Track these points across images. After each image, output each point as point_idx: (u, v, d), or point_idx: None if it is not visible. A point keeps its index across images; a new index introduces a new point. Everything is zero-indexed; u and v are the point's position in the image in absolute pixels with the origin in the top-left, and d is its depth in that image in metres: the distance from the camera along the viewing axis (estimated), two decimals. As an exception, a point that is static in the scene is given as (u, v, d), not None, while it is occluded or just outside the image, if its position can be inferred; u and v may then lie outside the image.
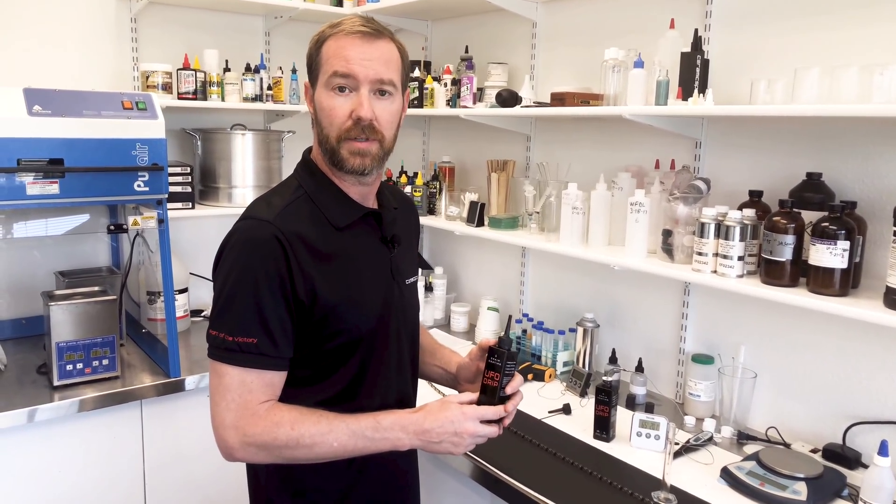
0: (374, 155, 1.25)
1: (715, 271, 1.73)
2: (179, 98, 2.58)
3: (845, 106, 1.46)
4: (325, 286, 1.23)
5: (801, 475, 1.55)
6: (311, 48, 1.27)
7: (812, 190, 1.68)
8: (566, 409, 2.01)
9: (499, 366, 1.27)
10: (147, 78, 2.52)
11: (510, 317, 1.46)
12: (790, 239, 1.59)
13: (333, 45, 1.22)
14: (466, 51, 2.59)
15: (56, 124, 1.93)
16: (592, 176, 2.11)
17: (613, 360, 2.17)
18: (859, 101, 1.46)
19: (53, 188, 1.93)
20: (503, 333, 1.30)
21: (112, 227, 2.25)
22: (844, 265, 1.51)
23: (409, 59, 1.32)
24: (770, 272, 1.63)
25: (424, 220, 2.67)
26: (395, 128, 1.29)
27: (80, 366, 2.05)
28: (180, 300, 2.56)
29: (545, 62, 2.49)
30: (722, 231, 1.70)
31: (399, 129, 1.32)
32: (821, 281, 1.54)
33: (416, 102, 2.67)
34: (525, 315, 2.56)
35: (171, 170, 2.45)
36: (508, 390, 1.28)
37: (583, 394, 2.12)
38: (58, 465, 2.01)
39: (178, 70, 2.58)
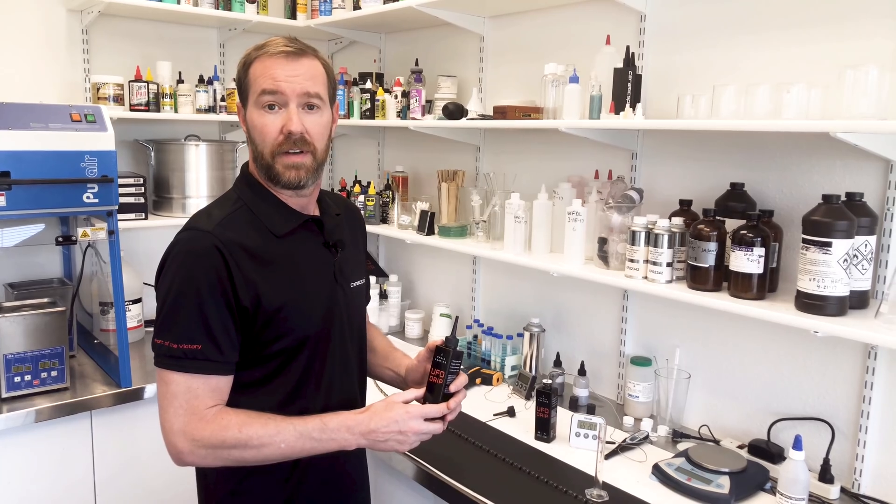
0: (307, 167, 1.31)
1: (646, 277, 1.81)
2: (132, 109, 2.60)
3: (756, 122, 1.55)
4: (267, 290, 1.28)
5: (726, 470, 1.64)
6: (240, 70, 1.33)
7: (735, 199, 1.78)
8: (511, 412, 2.07)
9: (444, 364, 1.33)
10: (98, 90, 2.53)
11: (456, 317, 1.52)
12: (713, 246, 1.68)
13: (259, 66, 1.28)
14: (416, 64, 2.65)
15: (2, 137, 1.94)
16: (538, 186, 2.18)
17: (558, 363, 2.24)
18: (771, 117, 1.55)
19: (0, 200, 1.94)
20: (450, 334, 1.36)
21: (60, 239, 2.25)
22: (760, 270, 1.60)
23: (334, 74, 1.39)
24: (695, 277, 1.72)
25: (377, 229, 2.72)
26: (326, 139, 1.35)
27: (28, 377, 2.05)
28: (133, 310, 2.57)
29: (493, 75, 2.56)
30: (651, 239, 1.78)
31: (331, 141, 1.38)
32: (740, 285, 1.63)
33: (368, 114, 2.73)
34: (476, 321, 2.62)
35: (123, 181, 2.46)
36: (452, 388, 1.35)
37: (528, 397, 2.18)
38: (6, 476, 2.01)
39: (129, 82, 2.59)
